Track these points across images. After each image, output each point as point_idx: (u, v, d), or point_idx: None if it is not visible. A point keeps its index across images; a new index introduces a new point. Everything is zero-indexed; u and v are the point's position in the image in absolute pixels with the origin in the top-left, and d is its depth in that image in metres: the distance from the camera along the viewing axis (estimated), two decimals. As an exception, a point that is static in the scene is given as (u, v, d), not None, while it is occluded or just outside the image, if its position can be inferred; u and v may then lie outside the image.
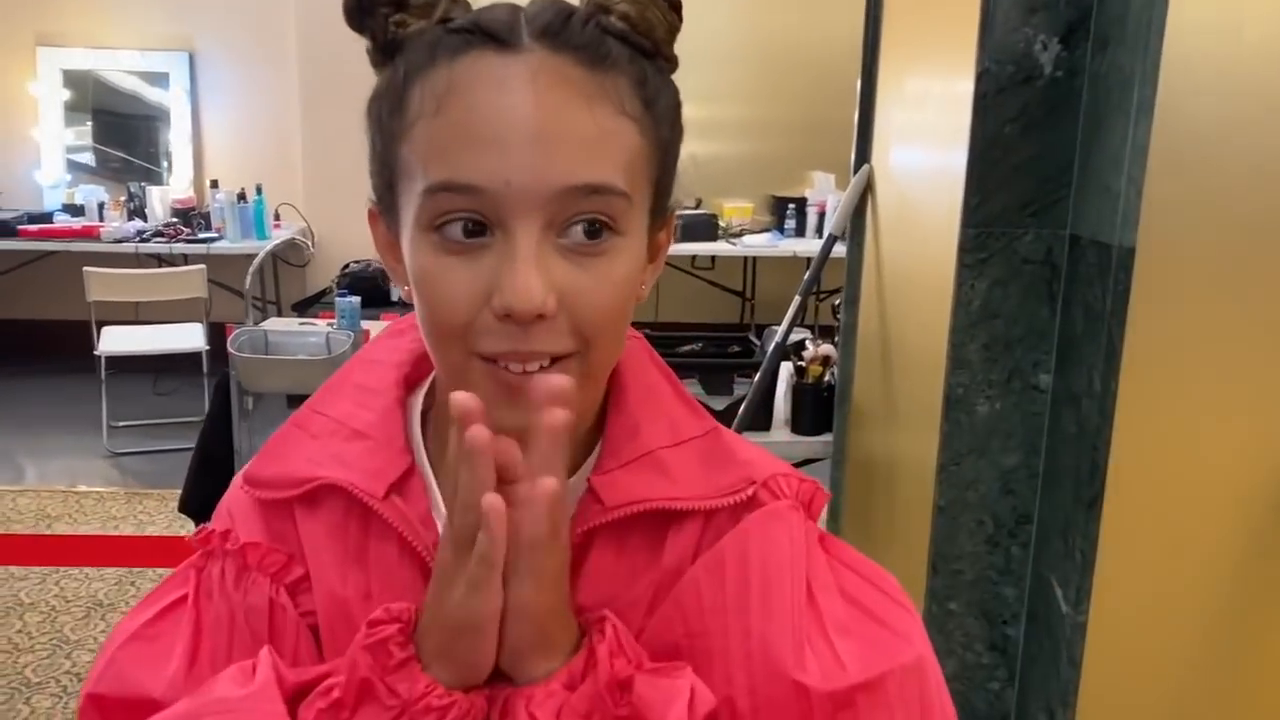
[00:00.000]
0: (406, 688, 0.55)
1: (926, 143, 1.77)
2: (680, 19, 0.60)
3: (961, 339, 1.57)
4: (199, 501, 2.78)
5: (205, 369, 4.39)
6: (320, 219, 5.45)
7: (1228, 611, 1.48)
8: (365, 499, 0.62)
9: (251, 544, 0.64)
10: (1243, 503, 1.44)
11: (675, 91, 0.61)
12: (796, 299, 2.10)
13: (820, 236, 5.57)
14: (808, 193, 5.72)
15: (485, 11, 0.57)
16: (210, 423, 2.80)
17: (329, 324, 2.84)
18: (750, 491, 0.63)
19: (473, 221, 0.55)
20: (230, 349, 2.61)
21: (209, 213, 5.20)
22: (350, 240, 5.42)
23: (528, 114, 0.54)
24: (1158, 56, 1.31)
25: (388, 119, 0.59)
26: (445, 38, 0.57)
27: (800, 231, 5.65)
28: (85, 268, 4.15)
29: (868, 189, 2.04)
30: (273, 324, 2.93)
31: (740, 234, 5.62)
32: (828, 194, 5.64)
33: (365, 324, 2.82)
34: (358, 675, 0.56)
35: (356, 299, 2.82)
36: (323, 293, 5.28)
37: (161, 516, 3.57)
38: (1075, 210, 1.50)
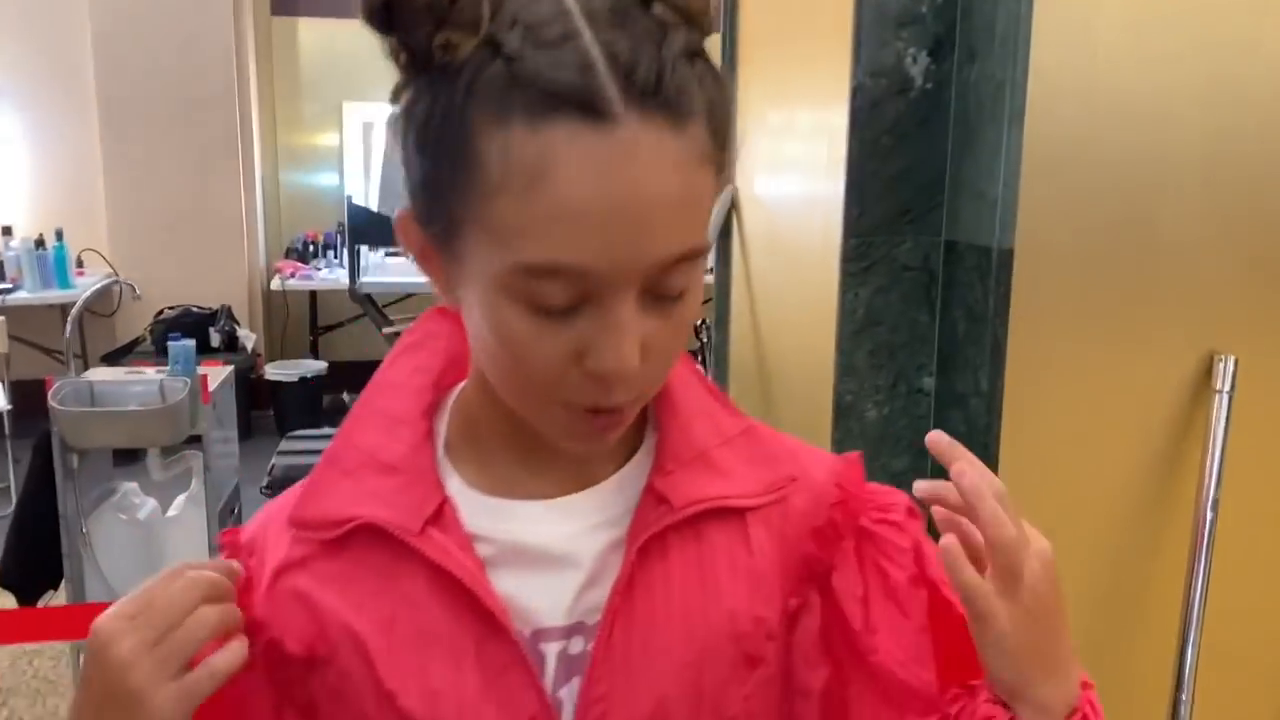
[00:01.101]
0: None
1: (800, 160, 1.80)
2: None
3: (848, 347, 1.59)
4: (21, 573, 2.53)
5: (8, 430, 4.03)
6: (128, 265, 5.12)
7: (1113, 596, 1.55)
8: (401, 535, 0.61)
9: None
10: (1127, 490, 1.51)
11: (724, 83, 0.58)
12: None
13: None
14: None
15: (555, 66, 0.51)
16: (30, 485, 2.56)
17: (158, 371, 2.65)
18: (786, 489, 0.67)
19: (572, 296, 0.54)
20: (52, 403, 2.39)
21: (1, 262, 4.80)
22: (164, 287, 5.12)
23: (630, 199, 0.51)
24: (1025, 66, 1.37)
25: (448, 164, 0.54)
26: (518, 92, 0.51)
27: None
28: None
29: (732, 209, 2.06)
30: (97, 373, 2.71)
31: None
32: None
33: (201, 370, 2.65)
34: None
35: (190, 342, 2.64)
36: (135, 342, 4.97)
37: (-34, 595, 3.24)
38: (949, 217, 1.56)
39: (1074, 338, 1.47)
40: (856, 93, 1.53)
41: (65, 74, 5.08)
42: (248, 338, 5.10)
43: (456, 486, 0.64)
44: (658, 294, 0.55)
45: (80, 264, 5.01)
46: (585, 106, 0.50)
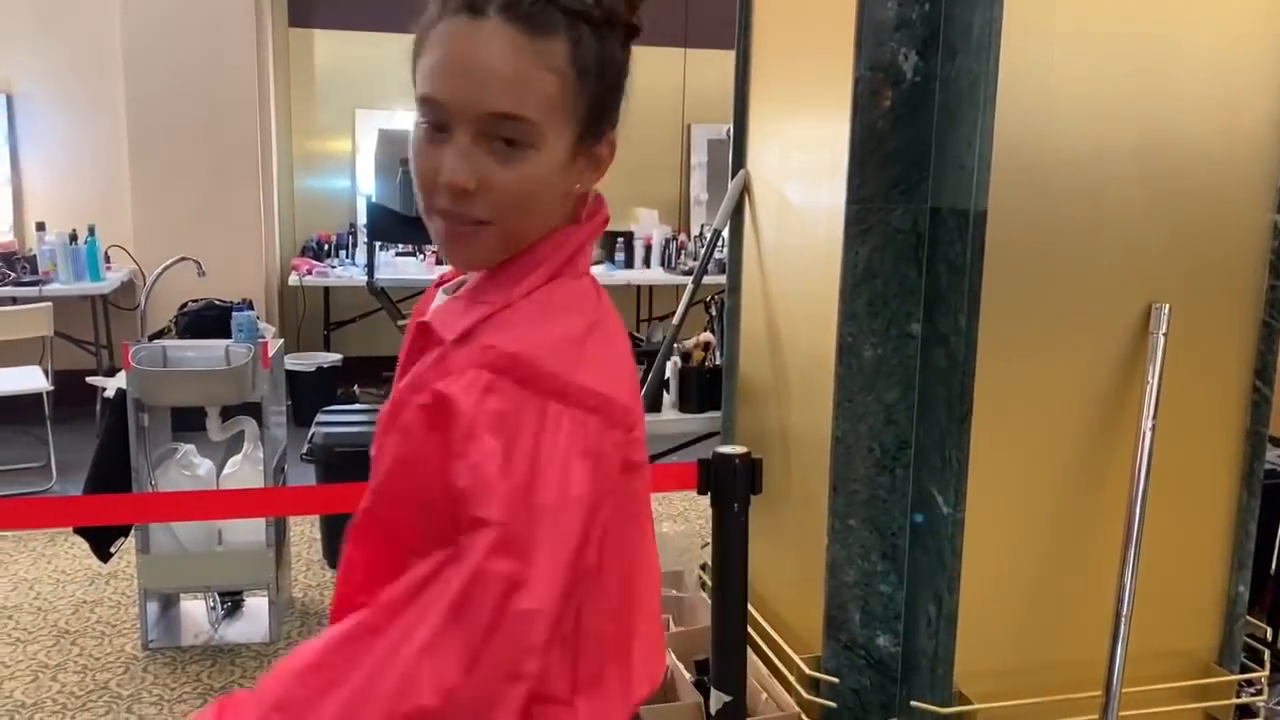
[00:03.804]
0: None
1: (810, 141, 2.11)
2: None
3: (849, 296, 1.90)
4: (95, 527, 2.80)
5: (49, 413, 4.28)
6: (153, 262, 5.38)
7: (1072, 497, 1.86)
8: None
9: None
10: (1083, 410, 1.83)
11: (616, 54, 0.85)
12: (690, 285, 2.41)
13: (648, 267, 6.00)
14: (634, 227, 6.10)
15: None
16: (104, 441, 2.83)
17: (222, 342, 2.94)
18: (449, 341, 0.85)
19: (437, 123, 0.82)
20: (132, 363, 2.67)
21: (34, 256, 5.06)
22: (184, 282, 5.36)
23: (472, 60, 0.80)
24: (996, 62, 1.70)
25: (418, 43, 0.85)
26: (449, 5, 0.82)
27: (629, 263, 6.01)
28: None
29: (745, 189, 2.38)
30: (166, 342, 2.99)
31: (576, 266, 5.91)
32: (652, 228, 6.07)
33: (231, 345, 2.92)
34: None
35: (253, 312, 2.93)
36: (161, 333, 5.22)
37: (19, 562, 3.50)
38: (934, 187, 1.87)
39: (1037, 285, 1.79)
40: (858, 84, 1.85)
41: (97, 80, 5.36)
42: (266, 329, 5.36)
43: None
44: (491, 136, 0.80)
45: (108, 259, 5.27)
46: (470, 8, 0.80)
